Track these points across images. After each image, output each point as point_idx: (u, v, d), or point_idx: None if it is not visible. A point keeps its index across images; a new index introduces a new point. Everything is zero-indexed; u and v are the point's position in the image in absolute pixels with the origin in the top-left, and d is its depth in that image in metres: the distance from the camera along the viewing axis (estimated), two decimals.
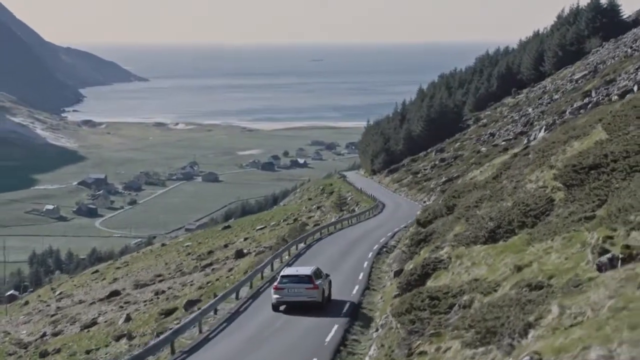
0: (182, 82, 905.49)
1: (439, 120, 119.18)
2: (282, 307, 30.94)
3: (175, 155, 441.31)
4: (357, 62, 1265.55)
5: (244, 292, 39.00)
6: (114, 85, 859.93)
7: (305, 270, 31.15)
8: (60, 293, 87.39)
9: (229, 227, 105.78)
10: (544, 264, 14.77)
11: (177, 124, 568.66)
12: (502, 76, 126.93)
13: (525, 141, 45.66)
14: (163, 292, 66.91)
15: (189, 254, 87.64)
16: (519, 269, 15.27)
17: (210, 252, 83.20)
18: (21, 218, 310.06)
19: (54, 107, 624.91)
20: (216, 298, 35.37)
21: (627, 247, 12.11)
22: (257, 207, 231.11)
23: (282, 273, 32.32)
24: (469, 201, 25.83)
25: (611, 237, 13.40)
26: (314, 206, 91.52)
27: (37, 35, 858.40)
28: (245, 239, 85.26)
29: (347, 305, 31.50)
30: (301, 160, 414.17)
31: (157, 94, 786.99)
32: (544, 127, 45.89)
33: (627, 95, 31.32)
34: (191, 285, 64.70)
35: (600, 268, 12.34)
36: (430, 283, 19.73)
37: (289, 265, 40.79)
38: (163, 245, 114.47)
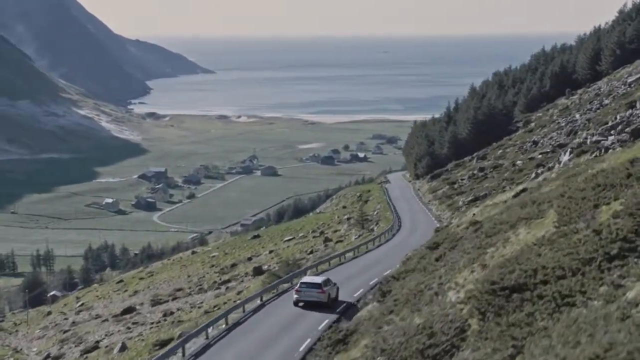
0: (247, 75, 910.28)
1: (486, 122, 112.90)
2: (300, 304, 38.98)
3: (235, 148, 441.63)
4: (424, 53, 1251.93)
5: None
6: (180, 78, 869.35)
7: (318, 279, 40.40)
8: (82, 304, 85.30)
9: (258, 236, 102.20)
10: None
11: (239, 116, 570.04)
12: (556, 75, 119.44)
13: (534, 175, 40.42)
14: (172, 313, 63.98)
15: (212, 265, 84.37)
16: None
17: (233, 266, 79.71)
18: (81, 211, 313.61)
19: (121, 99, 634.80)
20: None
21: None
22: (310, 204, 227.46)
23: (301, 280, 40.99)
24: (402, 290, 21.24)
25: None
26: (345, 217, 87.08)
27: (106, 28, 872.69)
28: (271, 251, 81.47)
29: None
30: (361, 155, 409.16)
31: (222, 86, 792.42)
32: (569, 151, 40.65)
33: (616, 149, 26.02)
34: (199, 307, 61.52)
35: None
36: None
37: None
38: (193, 252, 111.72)
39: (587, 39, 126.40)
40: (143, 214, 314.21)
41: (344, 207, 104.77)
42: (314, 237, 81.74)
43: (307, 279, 40.90)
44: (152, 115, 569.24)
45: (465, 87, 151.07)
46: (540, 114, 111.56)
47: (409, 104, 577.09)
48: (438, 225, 59.17)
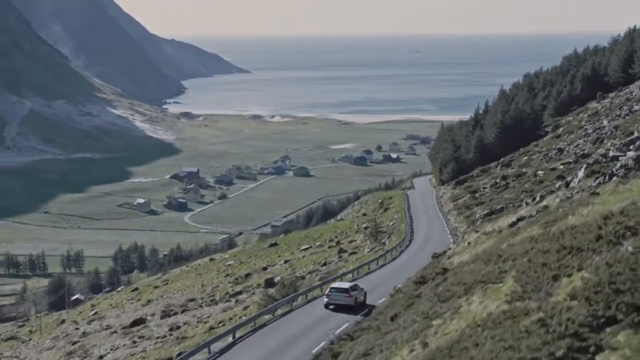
0: (282, 74, 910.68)
1: (514, 127, 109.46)
2: (331, 307, 42.44)
3: (268, 148, 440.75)
4: (458, 53, 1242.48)
5: None
6: (215, 77, 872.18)
7: (345, 285, 44.25)
8: (95, 313, 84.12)
9: (275, 244, 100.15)
10: None
11: (273, 116, 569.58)
12: (587, 78, 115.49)
13: (538, 198, 37.68)
14: (178, 327, 62.39)
15: (227, 275, 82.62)
16: None
17: (247, 275, 77.87)
18: (113, 211, 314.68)
19: (156, 99, 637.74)
20: None
21: None
22: (338, 206, 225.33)
23: (331, 285, 44.97)
24: (350, 356, 18.87)
25: None
26: (364, 225, 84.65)
27: (142, 28, 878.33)
28: (286, 261, 79.46)
29: None
30: (394, 155, 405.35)
31: (257, 85, 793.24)
32: (585, 167, 38.03)
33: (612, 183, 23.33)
34: (205, 322, 59.89)
35: None
36: None
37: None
38: (211, 260, 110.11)
39: (620, 41, 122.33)
40: (174, 215, 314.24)
41: (364, 214, 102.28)
42: (329, 247, 79.60)
43: (336, 284, 44.86)
44: (186, 115, 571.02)
45: (499, 86, 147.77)
46: (570, 118, 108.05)
47: (442, 104, 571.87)
48: (451, 240, 56.66)
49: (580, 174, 38.89)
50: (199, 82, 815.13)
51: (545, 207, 27.93)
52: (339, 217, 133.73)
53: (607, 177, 27.31)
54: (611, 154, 38.63)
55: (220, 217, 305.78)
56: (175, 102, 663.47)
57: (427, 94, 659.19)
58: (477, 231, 33.83)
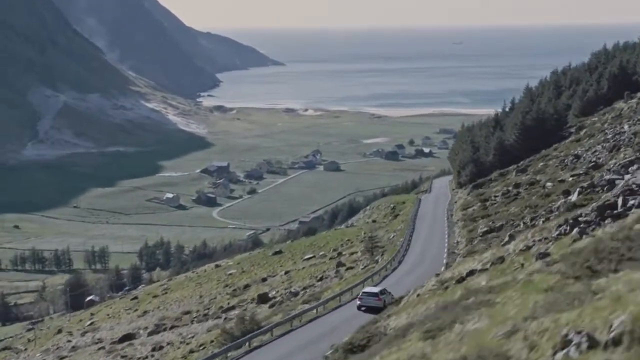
0: (317, 66, 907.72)
1: (535, 128, 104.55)
2: (362, 308, 46.67)
3: (300, 142, 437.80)
4: (499, 45, 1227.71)
5: None
6: (250, 70, 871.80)
7: (375, 289, 49.02)
8: (92, 324, 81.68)
9: (280, 252, 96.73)
10: None
11: (306, 109, 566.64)
12: (615, 77, 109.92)
13: (507, 238, 33.49)
14: (161, 347, 59.46)
15: (226, 285, 79.50)
16: None
17: (246, 287, 74.67)
18: (142, 206, 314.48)
19: (191, 92, 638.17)
20: None
21: None
22: (365, 203, 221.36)
23: (362, 290, 49.86)
24: None
25: None
26: (369, 235, 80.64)
27: (178, 21, 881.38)
28: (287, 272, 76.02)
29: None
30: (426, 150, 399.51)
31: (292, 78, 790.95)
32: (577, 192, 34.06)
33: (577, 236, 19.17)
34: (187, 344, 56.84)
35: None
36: None
37: None
38: (217, 266, 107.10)
39: None
40: (203, 210, 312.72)
41: (374, 221, 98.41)
42: (330, 258, 76.02)
43: (367, 289, 49.80)
44: (219, 108, 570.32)
45: (535, 79, 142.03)
46: (596, 119, 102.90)
47: (476, 97, 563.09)
48: (445, 262, 52.46)
49: (574, 196, 34.83)
50: (234, 75, 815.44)
51: (501, 258, 24.14)
52: (349, 222, 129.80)
53: (568, 229, 23.33)
54: (607, 177, 34.53)
55: (249, 213, 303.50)
56: (209, 95, 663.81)
57: (462, 87, 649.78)
58: (437, 275, 30.07)
